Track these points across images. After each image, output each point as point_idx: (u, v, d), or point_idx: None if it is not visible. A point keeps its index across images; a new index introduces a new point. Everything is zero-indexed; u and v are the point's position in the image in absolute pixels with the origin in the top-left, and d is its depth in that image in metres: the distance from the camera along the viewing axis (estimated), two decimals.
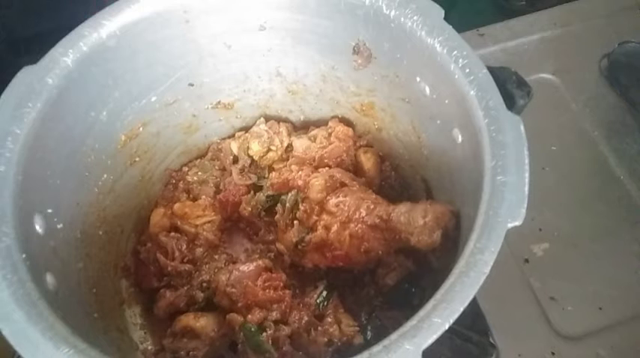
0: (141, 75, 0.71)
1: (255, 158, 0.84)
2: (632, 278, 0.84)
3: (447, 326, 0.46)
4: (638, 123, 0.98)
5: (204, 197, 0.81)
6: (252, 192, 0.81)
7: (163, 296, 0.74)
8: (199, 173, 0.85)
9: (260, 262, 0.70)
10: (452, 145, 0.65)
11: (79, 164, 0.67)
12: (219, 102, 0.83)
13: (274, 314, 0.66)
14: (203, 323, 0.69)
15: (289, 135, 0.84)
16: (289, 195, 0.74)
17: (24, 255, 0.52)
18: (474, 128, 0.57)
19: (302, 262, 0.73)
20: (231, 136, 0.87)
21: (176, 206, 0.80)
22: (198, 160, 0.87)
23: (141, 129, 0.76)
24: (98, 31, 0.64)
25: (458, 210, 0.64)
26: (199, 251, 0.76)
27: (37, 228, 0.58)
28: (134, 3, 0.65)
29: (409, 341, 0.45)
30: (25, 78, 0.60)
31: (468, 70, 0.59)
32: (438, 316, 0.46)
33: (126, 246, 0.80)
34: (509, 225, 0.50)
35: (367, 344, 0.55)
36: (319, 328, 0.67)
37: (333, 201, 0.71)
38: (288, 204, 0.74)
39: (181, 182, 0.85)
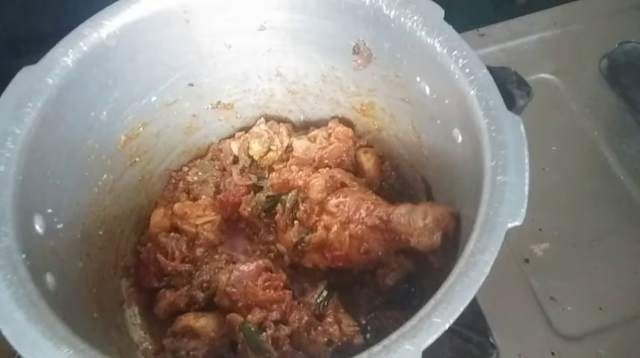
0: (141, 75, 0.71)
1: (256, 158, 0.84)
2: (632, 278, 0.84)
3: (447, 326, 0.46)
4: (638, 123, 0.98)
5: (204, 197, 0.82)
6: (252, 192, 0.81)
7: (163, 296, 0.74)
8: (199, 173, 0.85)
9: (260, 262, 0.70)
10: (452, 145, 0.65)
11: (79, 164, 0.68)
12: (219, 102, 0.83)
13: (274, 314, 0.66)
14: (203, 323, 0.69)
15: (289, 135, 0.84)
16: (289, 195, 0.74)
17: (24, 255, 0.52)
18: (473, 128, 0.57)
19: (302, 262, 0.73)
20: (231, 136, 0.87)
21: (176, 206, 0.80)
22: (198, 160, 0.87)
23: (141, 129, 0.76)
24: (98, 31, 0.64)
25: (458, 211, 0.64)
26: (199, 251, 0.76)
27: (37, 228, 0.58)
28: (134, 3, 0.65)
29: (409, 341, 0.45)
30: (25, 78, 0.60)
31: (468, 70, 0.59)
32: (438, 316, 0.46)
33: (126, 246, 0.80)
34: (509, 225, 0.50)
35: (367, 344, 0.55)
36: (319, 328, 0.67)
37: (333, 201, 0.71)
38: (288, 204, 0.74)
39: (181, 182, 0.85)
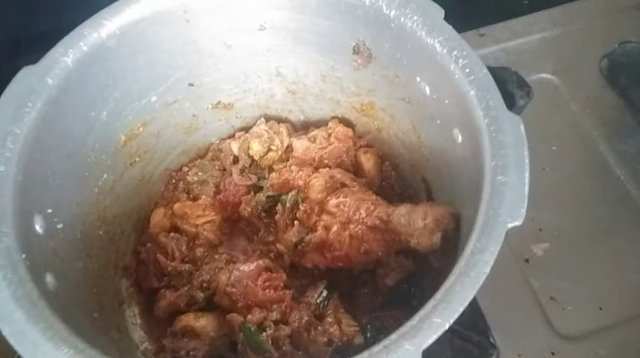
0: (141, 75, 0.71)
1: (256, 158, 0.84)
2: (632, 278, 0.84)
3: (447, 326, 0.46)
4: (638, 123, 0.98)
5: (204, 197, 0.82)
6: (252, 192, 0.81)
7: (164, 296, 0.74)
8: (199, 173, 0.85)
9: (260, 262, 0.70)
10: (452, 145, 0.65)
11: (79, 164, 0.68)
12: (219, 102, 0.83)
13: (274, 314, 0.66)
14: (203, 323, 0.69)
15: (289, 135, 0.84)
16: (289, 195, 0.74)
17: (24, 255, 0.52)
18: (473, 128, 0.57)
19: (302, 262, 0.73)
20: (231, 136, 0.87)
21: (176, 206, 0.80)
22: (198, 160, 0.87)
23: (141, 129, 0.76)
24: (98, 31, 0.64)
25: (458, 212, 0.64)
26: (199, 251, 0.76)
27: (37, 228, 0.58)
28: (134, 3, 0.65)
29: (409, 341, 0.45)
30: (25, 78, 0.60)
31: (468, 70, 0.59)
32: (438, 316, 0.46)
33: (126, 246, 0.80)
34: (509, 225, 0.50)
35: (367, 344, 0.55)
36: (319, 328, 0.67)
37: (333, 201, 0.71)
38: (288, 204, 0.74)
39: (181, 182, 0.85)
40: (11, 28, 1.03)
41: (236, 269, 0.70)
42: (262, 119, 0.86)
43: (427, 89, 0.67)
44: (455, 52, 0.60)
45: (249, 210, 0.78)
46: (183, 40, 0.71)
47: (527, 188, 0.52)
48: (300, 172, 0.76)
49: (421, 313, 0.47)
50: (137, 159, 0.78)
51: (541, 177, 0.92)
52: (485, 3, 1.25)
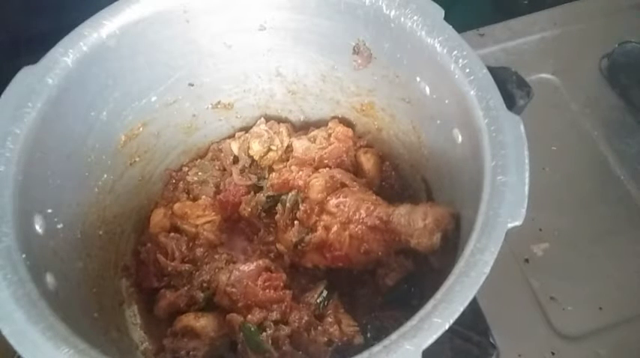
0: (141, 75, 0.71)
1: (256, 158, 0.84)
2: (632, 278, 0.84)
3: (447, 326, 0.46)
4: (638, 123, 0.98)
5: (204, 197, 0.82)
6: (252, 192, 0.81)
7: (164, 296, 0.74)
8: (199, 173, 0.85)
9: (260, 262, 0.70)
10: (452, 145, 0.65)
11: (79, 164, 0.68)
12: (219, 102, 0.83)
13: (274, 314, 0.66)
14: (203, 323, 0.69)
15: (289, 135, 0.84)
16: (289, 195, 0.74)
17: (24, 255, 0.52)
18: (473, 128, 0.57)
19: (302, 262, 0.73)
20: (231, 136, 0.87)
21: (176, 206, 0.80)
22: (198, 160, 0.87)
23: (141, 129, 0.76)
24: (98, 31, 0.64)
25: (458, 212, 0.64)
26: (199, 251, 0.76)
27: (37, 228, 0.58)
28: (134, 3, 0.65)
29: (409, 341, 0.45)
30: (25, 78, 0.60)
31: (468, 70, 0.59)
32: (438, 316, 0.46)
33: (126, 246, 0.80)
34: (509, 225, 0.50)
35: (367, 344, 0.55)
36: (319, 328, 0.67)
37: (333, 201, 0.71)
38: (288, 204, 0.74)
39: (181, 182, 0.85)
40: (11, 28, 1.03)
41: (236, 269, 0.70)
42: (262, 119, 0.86)
43: (427, 89, 0.67)
44: (455, 52, 0.60)
45: (249, 210, 0.78)
46: (183, 40, 0.71)
47: (527, 188, 0.52)
48: (300, 172, 0.76)
49: (421, 313, 0.47)
50: (137, 159, 0.78)
51: (541, 177, 0.92)
52: (485, 3, 1.26)
